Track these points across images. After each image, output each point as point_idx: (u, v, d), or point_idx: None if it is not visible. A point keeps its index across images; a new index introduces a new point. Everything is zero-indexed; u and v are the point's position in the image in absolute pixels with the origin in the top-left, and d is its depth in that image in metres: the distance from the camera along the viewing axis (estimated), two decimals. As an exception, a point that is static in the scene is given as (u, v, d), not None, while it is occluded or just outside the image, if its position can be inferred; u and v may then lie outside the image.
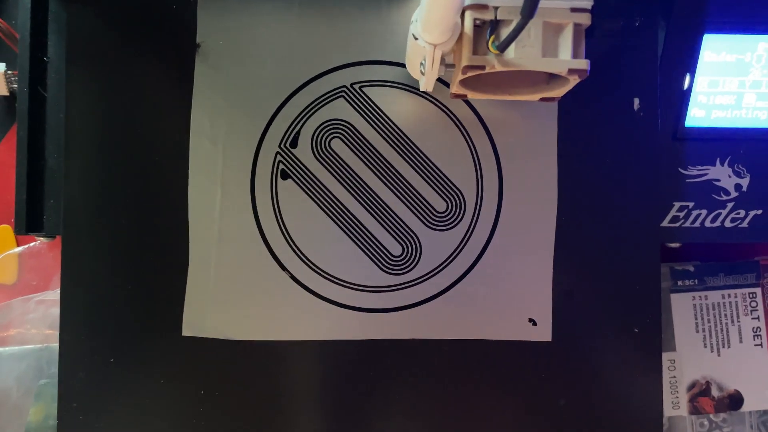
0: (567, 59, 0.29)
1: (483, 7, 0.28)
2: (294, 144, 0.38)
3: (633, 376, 0.38)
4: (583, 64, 0.29)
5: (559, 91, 0.32)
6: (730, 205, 0.41)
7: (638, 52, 0.38)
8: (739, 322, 0.43)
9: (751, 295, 0.43)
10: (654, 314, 0.38)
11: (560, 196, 0.38)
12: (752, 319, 0.43)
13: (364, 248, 0.38)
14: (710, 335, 0.43)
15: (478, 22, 0.28)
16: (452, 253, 0.38)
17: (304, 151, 0.38)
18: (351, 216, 0.38)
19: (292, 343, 0.37)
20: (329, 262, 0.38)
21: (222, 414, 0.37)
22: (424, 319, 0.38)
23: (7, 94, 0.40)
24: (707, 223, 0.41)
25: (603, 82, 0.38)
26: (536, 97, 0.33)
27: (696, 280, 0.43)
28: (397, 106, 0.38)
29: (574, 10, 0.28)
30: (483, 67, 0.29)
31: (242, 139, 0.37)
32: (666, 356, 0.42)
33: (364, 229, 0.38)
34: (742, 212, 0.41)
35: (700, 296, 0.43)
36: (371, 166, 0.38)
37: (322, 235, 0.38)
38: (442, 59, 0.30)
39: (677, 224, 0.40)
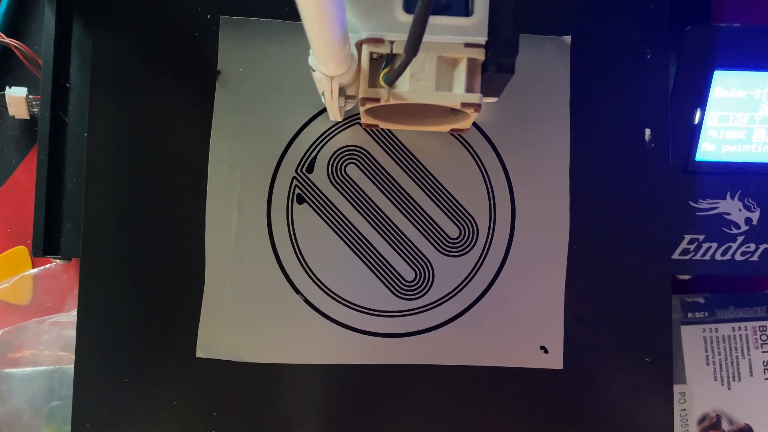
0: (460, 93, 0.29)
1: (379, 41, 0.28)
2: (310, 169, 0.38)
3: (644, 406, 0.38)
4: (475, 98, 0.28)
5: (464, 123, 0.32)
6: (740, 239, 0.41)
7: (650, 86, 0.39)
8: (749, 355, 0.43)
9: (761, 329, 0.43)
10: (665, 345, 0.38)
11: (572, 225, 0.38)
12: (762, 352, 0.42)
13: (378, 273, 0.38)
14: (720, 368, 0.43)
15: (375, 55, 0.28)
16: (465, 279, 0.38)
17: (320, 177, 0.38)
18: (365, 241, 0.38)
19: (305, 366, 0.38)
20: (342, 286, 0.38)
21: (233, 436, 0.37)
22: (436, 345, 0.38)
23: (28, 117, 0.41)
24: (717, 256, 0.41)
25: (615, 115, 0.39)
26: (447, 128, 0.33)
27: (706, 313, 0.43)
28: (412, 133, 0.38)
29: (468, 45, 0.28)
30: (378, 100, 0.29)
31: (260, 164, 0.38)
32: (676, 388, 0.42)
33: (377, 254, 0.38)
34: (753, 246, 0.41)
35: (710, 329, 0.43)
36: (385, 192, 0.38)
37: (336, 259, 0.38)
38: (343, 90, 0.31)
39: (688, 257, 0.41)
